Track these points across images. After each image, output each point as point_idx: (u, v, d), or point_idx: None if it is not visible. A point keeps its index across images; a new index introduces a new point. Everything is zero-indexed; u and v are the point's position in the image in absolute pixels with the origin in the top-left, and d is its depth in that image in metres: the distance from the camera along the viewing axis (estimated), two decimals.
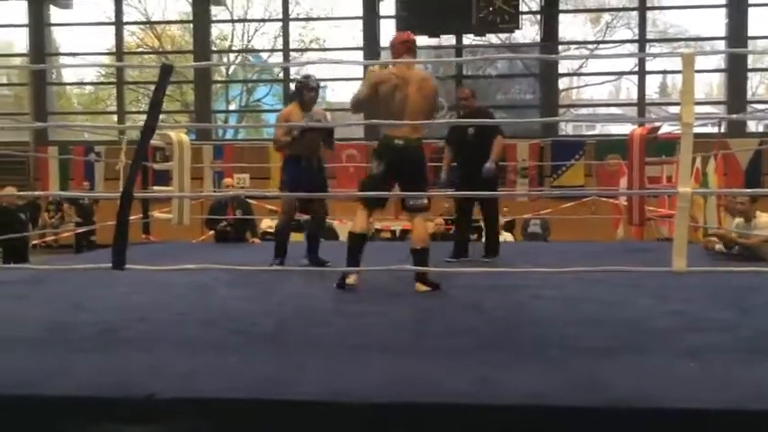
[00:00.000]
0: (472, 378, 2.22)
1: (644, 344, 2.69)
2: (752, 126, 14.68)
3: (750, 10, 13.79)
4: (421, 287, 3.96)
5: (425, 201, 4.11)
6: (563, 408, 2.01)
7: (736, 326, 3.00)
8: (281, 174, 5.25)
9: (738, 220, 5.83)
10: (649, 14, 14.74)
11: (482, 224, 6.24)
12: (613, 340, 2.78)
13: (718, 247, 5.81)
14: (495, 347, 2.68)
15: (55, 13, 15.72)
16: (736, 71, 14.06)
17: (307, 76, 5.11)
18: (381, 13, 14.66)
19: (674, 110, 16.33)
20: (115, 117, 16.02)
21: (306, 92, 5.04)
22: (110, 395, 2.08)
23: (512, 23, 13.40)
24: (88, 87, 18.10)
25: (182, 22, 16.36)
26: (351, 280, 4.04)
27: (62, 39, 16.34)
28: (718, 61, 14.48)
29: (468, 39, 14.72)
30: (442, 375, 2.26)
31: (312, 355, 2.55)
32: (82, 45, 16.04)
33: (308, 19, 15.73)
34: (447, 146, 5.82)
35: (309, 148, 5.01)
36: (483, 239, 6.08)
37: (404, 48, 4.19)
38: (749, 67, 14.51)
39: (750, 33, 13.84)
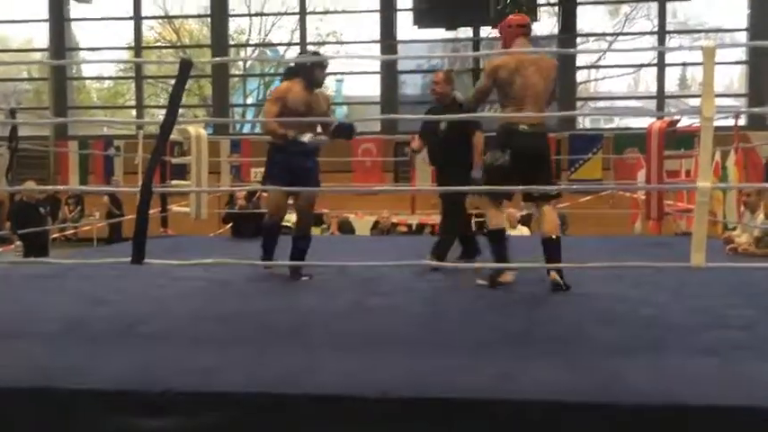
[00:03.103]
0: (491, 373, 2.22)
1: (663, 341, 2.67)
2: None
3: None
4: (555, 277, 3.78)
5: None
6: (582, 404, 2.01)
7: (756, 323, 2.97)
8: (267, 163, 4.45)
9: (761, 218, 5.73)
10: (669, 5, 14.54)
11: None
12: (632, 337, 2.76)
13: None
14: (514, 343, 2.68)
15: (74, 8, 15.84)
16: (758, 63, 13.84)
17: (316, 53, 4.67)
18: (398, 7, 14.61)
19: (694, 102, 16.10)
20: (134, 111, 16.14)
21: (319, 71, 4.34)
22: (127, 389, 2.11)
23: (529, 15, 13.27)
24: (107, 82, 18.25)
25: (199, 16, 16.42)
26: (505, 278, 3.93)
27: (82, 34, 16.48)
28: (740, 53, 14.27)
29: (486, 31, 14.63)
30: (460, 370, 2.26)
31: (329, 349, 2.56)
32: (101, 40, 16.15)
33: (324, 12, 15.72)
34: (420, 139, 5.00)
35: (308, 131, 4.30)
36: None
37: (520, 31, 4.02)
38: None
39: None
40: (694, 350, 2.52)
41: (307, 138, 4.19)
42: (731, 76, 15.58)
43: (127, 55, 15.99)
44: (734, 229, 6.39)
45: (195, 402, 2.07)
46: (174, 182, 7.93)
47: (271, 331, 2.89)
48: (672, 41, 14.72)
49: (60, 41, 15.61)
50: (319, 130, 4.45)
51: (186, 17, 16.86)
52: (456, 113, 4.42)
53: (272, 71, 17.17)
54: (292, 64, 4.63)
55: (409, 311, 3.35)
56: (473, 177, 4.61)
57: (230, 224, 8.01)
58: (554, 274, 3.78)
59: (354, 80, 16.45)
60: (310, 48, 15.32)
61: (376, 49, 14.60)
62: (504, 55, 3.99)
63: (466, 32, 14.69)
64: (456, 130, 4.60)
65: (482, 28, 14.40)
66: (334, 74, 16.33)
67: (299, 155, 4.26)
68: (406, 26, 14.04)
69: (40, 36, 16.31)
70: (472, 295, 3.78)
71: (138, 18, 15.75)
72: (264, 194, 8.15)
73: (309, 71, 4.29)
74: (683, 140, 8.34)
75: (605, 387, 2.10)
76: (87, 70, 17.60)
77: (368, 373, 2.25)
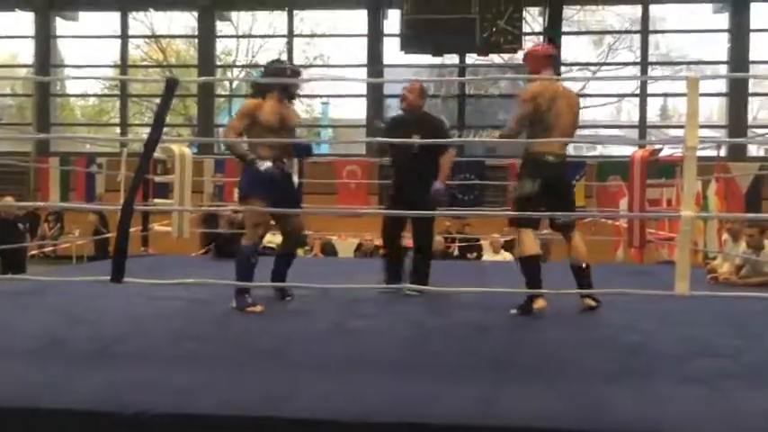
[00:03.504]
0: (473, 398, 2.19)
1: (647, 368, 2.66)
2: (752, 150, 14.72)
3: (752, 35, 13.88)
4: (589, 302, 3.92)
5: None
6: (567, 431, 1.99)
7: (740, 352, 2.97)
8: (242, 174, 4.12)
9: (743, 246, 5.76)
10: (652, 37, 14.82)
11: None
12: (616, 364, 2.75)
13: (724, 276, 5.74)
14: (497, 368, 2.65)
15: (61, 25, 15.82)
16: (738, 95, 14.11)
17: (282, 61, 4.33)
18: (385, 32, 14.75)
19: (675, 132, 16.36)
20: (118, 129, 16.06)
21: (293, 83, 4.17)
22: (102, 410, 2.05)
23: (515, 44, 13.46)
24: (92, 99, 18.17)
25: (187, 36, 16.45)
26: (539, 304, 3.81)
27: (67, 51, 16.43)
28: (720, 85, 14.54)
29: (472, 58, 14.79)
30: (443, 394, 2.24)
31: (309, 372, 2.52)
32: (87, 57, 16.11)
33: (312, 35, 15.82)
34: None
35: (280, 149, 4.01)
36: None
37: (548, 61, 4.08)
38: (750, 91, 14.57)
39: (751, 58, 13.92)
40: (681, 379, 2.50)
41: (264, 166, 3.91)
42: (711, 108, 15.86)
43: (112, 73, 15.96)
44: (714, 258, 6.44)
45: (171, 425, 2.02)
46: (156, 200, 7.86)
47: (250, 353, 2.84)
48: (653, 72, 14.99)
49: (45, 58, 15.55)
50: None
51: (173, 37, 16.88)
52: (426, 128, 4.46)
53: None
54: (261, 76, 4.26)
55: (391, 334, 3.31)
56: (436, 189, 4.53)
57: (211, 244, 7.93)
58: (588, 301, 3.91)
59: (341, 103, 16.53)
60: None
61: (362, 73, 14.69)
62: (536, 83, 3.99)
63: (452, 59, 14.86)
64: (429, 147, 4.42)
65: (468, 55, 14.59)
66: (320, 96, 16.41)
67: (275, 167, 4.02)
68: (392, 51, 14.17)
69: (26, 52, 16.25)
70: (455, 318, 3.75)
71: (124, 37, 15.75)
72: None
73: (287, 84, 4.08)
74: (664, 170, 8.43)
75: (590, 415, 2.08)
76: (72, 87, 17.54)
77: (349, 397, 2.21)
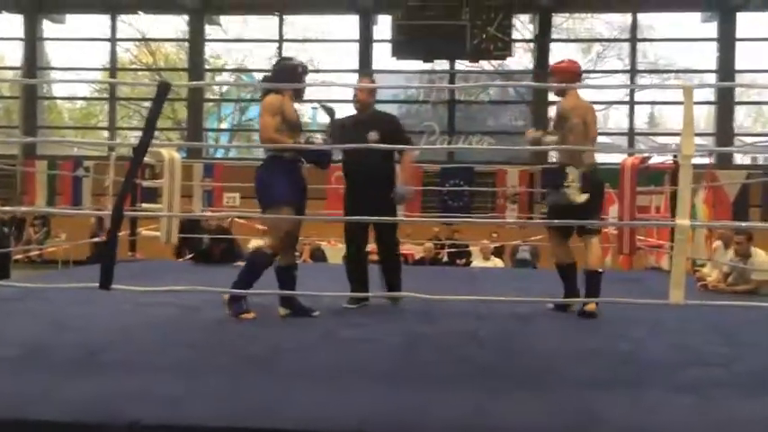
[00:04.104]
0: (465, 407, 2.18)
1: (639, 377, 2.66)
2: (738, 158, 14.86)
3: (738, 44, 14.03)
4: (591, 306, 3.98)
5: None
6: None
7: (731, 360, 2.97)
8: (268, 178, 3.88)
9: (731, 253, 5.79)
10: (640, 46, 14.94)
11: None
12: (609, 372, 2.75)
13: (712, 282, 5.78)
14: (490, 377, 2.64)
15: (48, 28, 15.72)
16: (725, 104, 14.24)
17: (291, 58, 4.32)
18: (376, 37, 14.76)
19: (662, 140, 16.50)
20: (105, 132, 15.95)
21: (304, 81, 4.09)
22: (93, 421, 2.01)
23: (504, 51, 13.54)
24: (79, 102, 18.04)
25: (176, 40, 16.38)
26: (590, 307, 3.98)
27: (55, 53, 16.32)
28: (707, 94, 14.66)
29: (462, 65, 14.84)
30: (435, 404, 2.22)
31: (301, 381, 2.49)
32: (75, 60, 16.01)
33: (302, 40, 15.80)
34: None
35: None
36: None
37: (580, 78, 4.35)
38: (736, 100, 14.71)
39: (738, 67, 14.06)
40: (671, 387, 2.50)
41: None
42: (698, 116, 15.99)
43: (101, 76, 15.88)
44: (703, 265, 6.48)
45: None
46: (144, 205, 7.80)
47: (242, 361, 2.81)
48: (641, 81, 15.09)
49: (33, 60, 15.45)
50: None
51: (163, 41, 16.80)
52: (383, 126, 4.34)
53: (248, 97, 17.15)
54: (273, 74, 4.15)
55: (383, 342, 3.29)
56: (401, 193, 4.44)
57: (183, 249, 7.88)
58: (590, 305, 3.97)
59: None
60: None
61: (353, 78, 14.68)
62: (569, 98, 4.18)
63: (442, 65, 14.90)
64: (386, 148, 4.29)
65: (458, 61, 14.64)
66: (310, 101, 16.37)
67: (301, 169, 3.99)
68: (384, 57, 14.19)
69: (13, 54, 16.14)
70: (446, 326, 3.74)
71: (113, 40, 15.67)
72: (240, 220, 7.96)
73: (299, 81, 4.02)
74: (653, 177, 8.48)
75: (583, 424, 2.07)
76: (59, 90, 17.42)
77: (342, 407, 2.19)
